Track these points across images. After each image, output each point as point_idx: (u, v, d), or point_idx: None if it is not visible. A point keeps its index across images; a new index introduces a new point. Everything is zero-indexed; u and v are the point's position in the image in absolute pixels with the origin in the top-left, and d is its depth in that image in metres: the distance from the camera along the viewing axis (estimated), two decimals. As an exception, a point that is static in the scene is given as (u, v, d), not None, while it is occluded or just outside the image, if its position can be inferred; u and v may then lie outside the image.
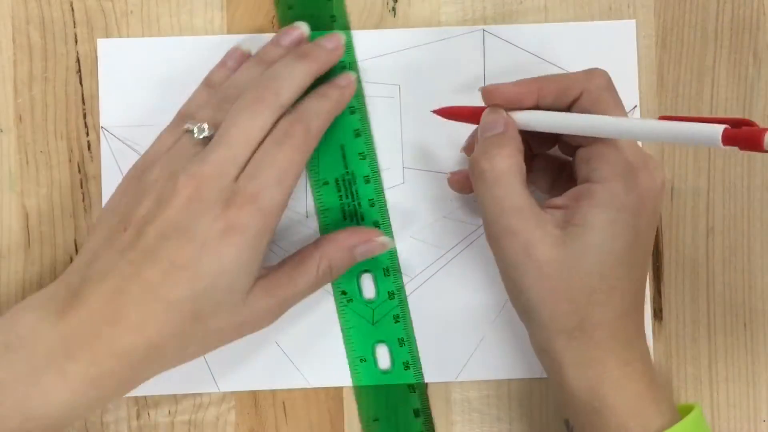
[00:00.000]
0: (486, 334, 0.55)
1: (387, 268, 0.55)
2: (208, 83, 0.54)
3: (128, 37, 0.56)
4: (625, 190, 0.45)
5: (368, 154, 0.55)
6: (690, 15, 0.56)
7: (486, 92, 0.49)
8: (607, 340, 0.46)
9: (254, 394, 0.55)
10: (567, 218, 0.46)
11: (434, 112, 0.52)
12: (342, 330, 0.55)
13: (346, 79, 0.53)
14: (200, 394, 0.55)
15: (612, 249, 0.45)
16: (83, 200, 0.56)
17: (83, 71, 0.56)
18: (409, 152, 0.56)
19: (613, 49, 0.56)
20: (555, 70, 0.55)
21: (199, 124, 0.50)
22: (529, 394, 0.55)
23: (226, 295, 0.47)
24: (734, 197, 0.56)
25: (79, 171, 0.55)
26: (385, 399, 0.55)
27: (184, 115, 0.53)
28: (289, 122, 0.49)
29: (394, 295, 0.55)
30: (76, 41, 0.56)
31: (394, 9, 0.56)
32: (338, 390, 0.55)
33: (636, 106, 0.55)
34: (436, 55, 0.56)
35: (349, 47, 0.55)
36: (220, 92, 0.52)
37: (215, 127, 0.49)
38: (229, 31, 0.56)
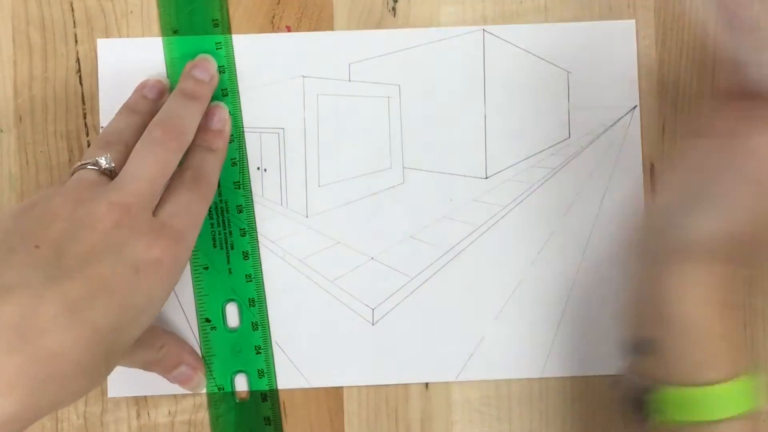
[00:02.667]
0: (486, 334, 0.55)
1: (252, 298, 0.55)
2: (129, 106, 0.54)
3: (128, 37, 0.56)
4: None
5: (243, 183, 0.55)
6: (690, 15, 0.56)
7: None
8: (721, 279, 0.46)
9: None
10: None
11: None
12: (203, 357, 0.55)
13: (220, 120, 0.54)
14: (200, 394, 0.55)
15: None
16: (83, 200, 0.55)
17: (83, 71, 0.56)
18: (409, 152, 0.56)
19: (613, 49, 0.56)
20: (555, 71, 0.55)
21: (101, 158, 0.48)
22: (529, 394, 0.55)
23: (135, 334, 0.46)
24: (734, 197, 0.56)
25: (79, 171, 0.55)
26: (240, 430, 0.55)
27: (106, 142, 0.51)
28: (194, 176, 0.50)
29: (258, 326, 0.55)
30: (76, 41, 0.56)
31: (394, 9, 0.56)
32: (338, 390, 0.55)
33: (636, 106, 0.56)
34: (435, 55, 0.56)
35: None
36: (104, 134, 0.51)
37: (114, 162, 0.48)
38: (230, 31, 0.56)
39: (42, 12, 0.56)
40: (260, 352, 0.55)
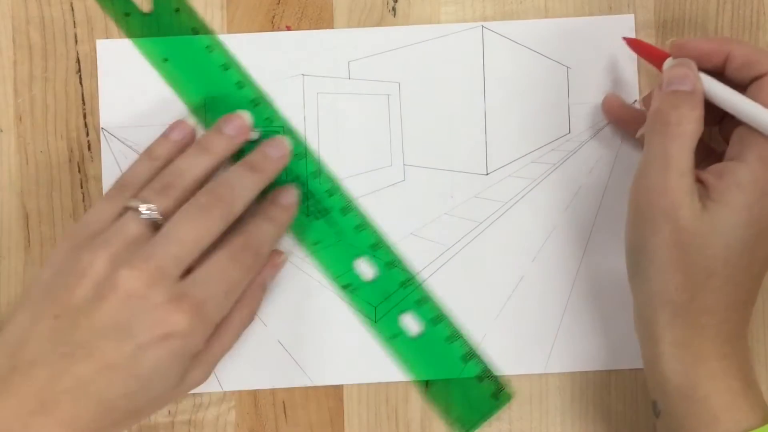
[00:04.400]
0: (488, 331, 0.55)
1: (373, 243, 0.55)
2: (150, 156, 0.53)
3: (128, 37, 0.56)
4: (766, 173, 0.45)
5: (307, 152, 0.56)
6: (690, 15, 0.56)
7: (677, 45, 0.49)
8: (710, 327, 0.46)
9: (254, 394, 0.55)
10: (707, 193, 0.46)
11: (624, 39, 0.52)
12: (366, 321, 0.55)
13: (289, 197, 0.54)
14: (200, 394, 0.55)
15: (741, 236, 0.45)
16: (83, 200, 0.55)
17: (83, 71, 0.56)
18: (409, 149, 0.56)
19: (613, 44, 0.55)
20: (554, 66, 0.55)
21: (145, 205, 0.48)
22: (530, 393, 0.55)
23: (162, 390, 0.48)
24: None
25: (79, 171, 0.55)
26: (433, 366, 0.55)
27: (123, 186, 0.51)
28: (243, 242, 0.50)
29: (394, 264, 0.55)
30: (76, 41, 0.56)
31: (394, 9, 0.56)
32: (338, 389, 0.55)
33: (636, 101, 0.55)
34: (435, 52, 0.56)
35: (246, 83, 0.56)
36: (163, 176, 0.50)
37: (162, 213, 0.49)
38: (229, 31, 0.56)
39: (42, 12, 0.56)
40: (409, 285, 0.55)
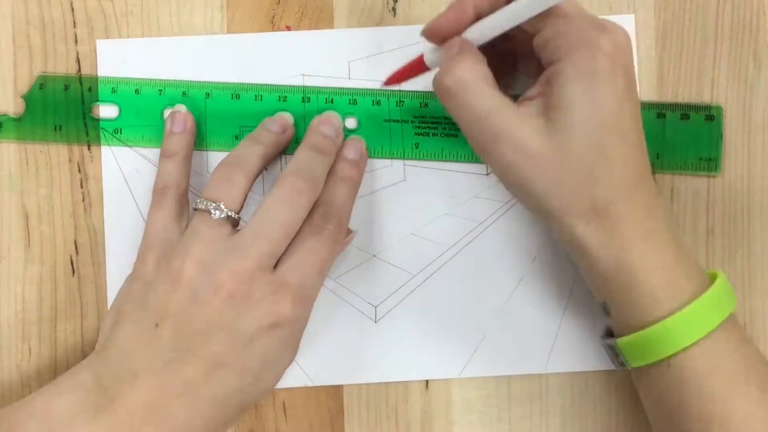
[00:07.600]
0: (488, 331, 0.55)
1: None
2: (166, 154, 0.53)
3: (128, 37, 0.56)
4: (589, 56, 0.44)
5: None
6: (690, 15, 0.56)
7: (428, 31, 0.48)
8: (623, 213, 0.45)
9: (254, 394, 0.55)
10: (545, 105, 0.46)
11: (385, 84, 0.52)
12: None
13: (356, 149, 0.54)
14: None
15: (597, 118, 0.44)
16: (83, 200, 0.55)
17: (83, 71, 0.56)
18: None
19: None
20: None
21: (213, 205, 0.48)
22: (529, 393, 0.55)
23: (273, 378, 0.50)
24: (734, 197, 0.56)
25: (79, 171, 0.55)
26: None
27: (163, 189, 0.52)
28: (323, 214, 0.50)
29: None
30: (76, 41, 0.56)
31: (394, 9, 0.56)
32: (338, 389, 0.55)
33: (637, 100, 0.56)
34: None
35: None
36: (223, 166, 0.50)
37: (230, 206, 0.49)
38: (229, 31, 0.56)
39: (42, 12, 0.56)
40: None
